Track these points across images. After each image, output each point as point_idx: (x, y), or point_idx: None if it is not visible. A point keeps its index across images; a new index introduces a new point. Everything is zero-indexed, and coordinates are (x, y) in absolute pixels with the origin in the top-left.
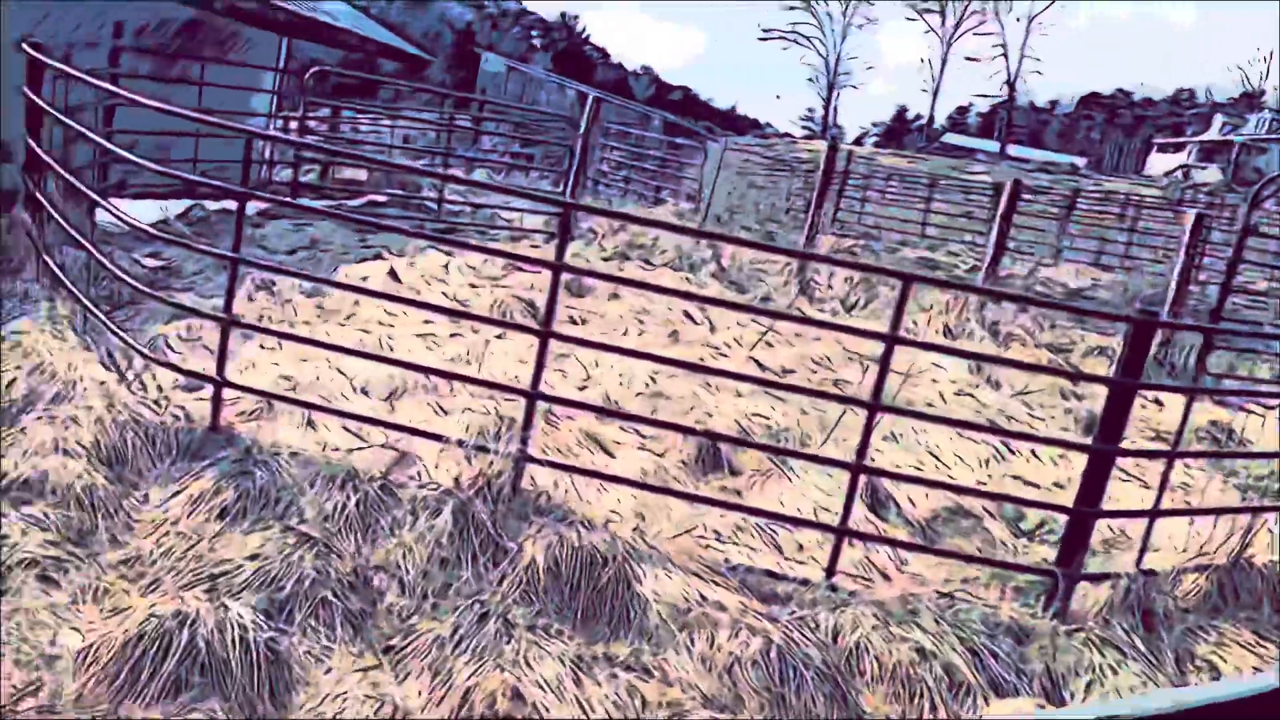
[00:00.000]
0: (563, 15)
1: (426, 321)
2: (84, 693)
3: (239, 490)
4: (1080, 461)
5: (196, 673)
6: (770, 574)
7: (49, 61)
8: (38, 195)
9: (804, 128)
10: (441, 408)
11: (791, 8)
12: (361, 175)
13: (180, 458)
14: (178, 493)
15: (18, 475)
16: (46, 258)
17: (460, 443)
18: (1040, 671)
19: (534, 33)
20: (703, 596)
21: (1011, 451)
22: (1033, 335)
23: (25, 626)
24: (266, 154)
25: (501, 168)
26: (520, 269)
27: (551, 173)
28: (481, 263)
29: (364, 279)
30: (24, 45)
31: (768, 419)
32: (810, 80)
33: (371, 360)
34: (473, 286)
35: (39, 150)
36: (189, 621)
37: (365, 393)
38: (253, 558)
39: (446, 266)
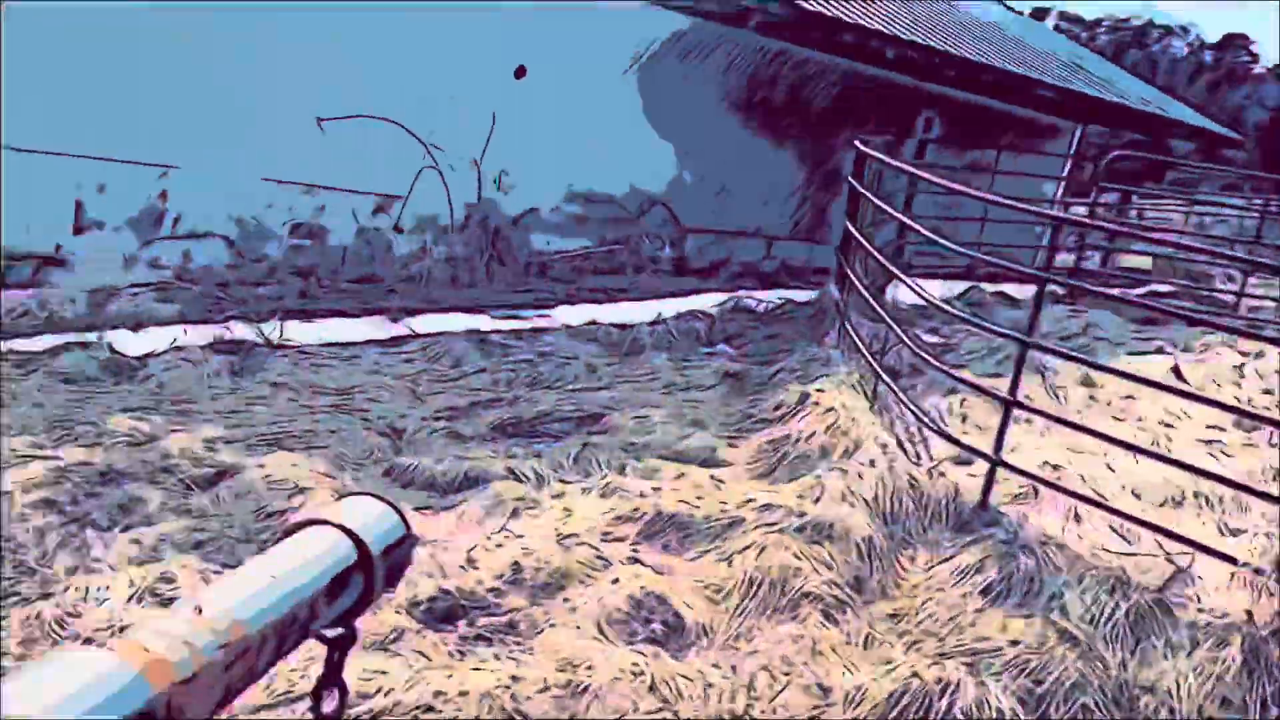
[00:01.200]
0: None
1: (1212, 427)
2: None
3: (1003, 572)
4: None
5: None
6: None
7: (873, 154)
8: (847, 272)
9: None
10: (1228, 526)
11: None
12: (1146, 263)
13: (947, 527)
14: (944, 560)
15: (814, 517)
16: (849, 327)
17: (1259, 570)
18: None
19: None
20: None
21: None
22: None
23: (809, 654)
24: (1044, 239)
25: None
26: None
27: None
28: None
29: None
30: (855, 141)
31: None
32: None
33: (1150, 459)
34: (1269, 393)
35: (855, 232)
36: (949, 689)
37: (1136, 495)
38: (1013, 643)
39: (1241, 368)
